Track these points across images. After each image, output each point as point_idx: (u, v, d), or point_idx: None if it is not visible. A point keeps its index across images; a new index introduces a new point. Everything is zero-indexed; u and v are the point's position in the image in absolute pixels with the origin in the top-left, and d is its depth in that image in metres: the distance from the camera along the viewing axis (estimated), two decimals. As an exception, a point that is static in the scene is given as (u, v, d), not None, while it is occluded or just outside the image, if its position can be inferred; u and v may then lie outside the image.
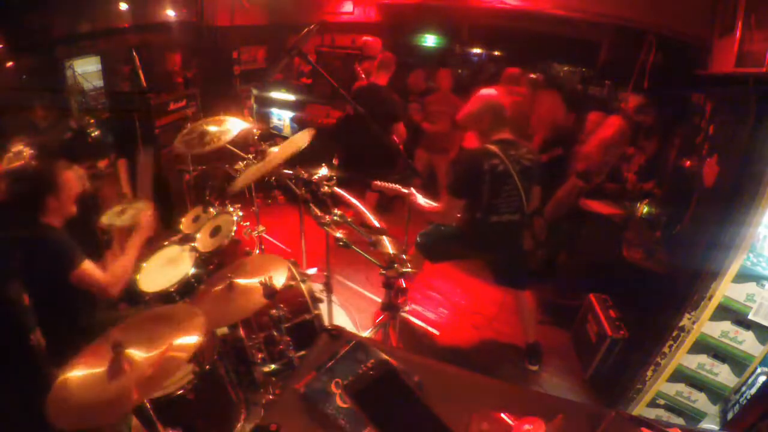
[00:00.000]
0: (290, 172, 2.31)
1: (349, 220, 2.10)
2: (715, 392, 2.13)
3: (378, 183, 2.71)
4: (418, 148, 4.41)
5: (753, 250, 1.90)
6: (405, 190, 2.65)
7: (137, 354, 1.33)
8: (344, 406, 1.09)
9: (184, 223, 2.85)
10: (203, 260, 2.48)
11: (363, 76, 4.48)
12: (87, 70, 4.25)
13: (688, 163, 2.71)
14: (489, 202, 2.46)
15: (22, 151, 2.90)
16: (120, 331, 1.42)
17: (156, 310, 1.57)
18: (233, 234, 2.54)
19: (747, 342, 2.02)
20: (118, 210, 2.59)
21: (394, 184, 2.67)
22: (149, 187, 2.55)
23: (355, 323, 3.06)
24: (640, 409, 2.24)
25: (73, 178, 1.98)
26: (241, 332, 2.10)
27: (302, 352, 2.13)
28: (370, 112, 3.36)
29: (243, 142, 3.13)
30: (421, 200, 2.65)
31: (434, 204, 2.66)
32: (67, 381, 1.30)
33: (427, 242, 2.88)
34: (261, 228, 2.93)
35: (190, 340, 1.36)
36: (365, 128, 3.38)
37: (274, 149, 2.41)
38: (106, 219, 2.50)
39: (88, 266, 1.91)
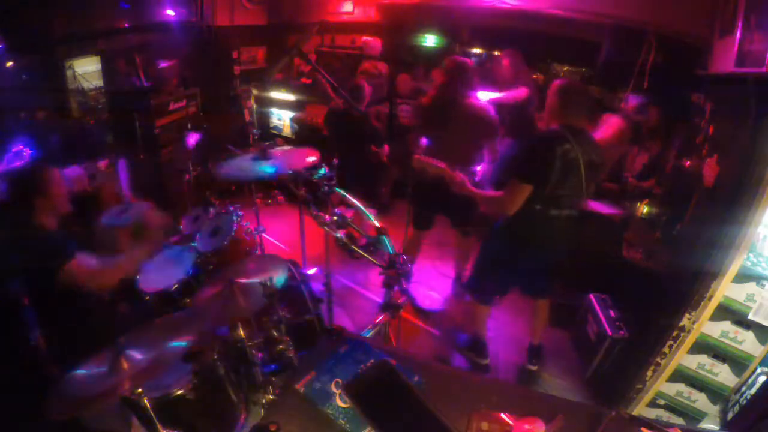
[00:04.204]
0: (290, 172, 2.31)
1: (349, 220, 2.10)
2: (715, 392, 2.13)
3: (421, 158, 2.39)
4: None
5: (753, 250, 1.90)
6: (452, 173, 2.32)
7: (135, 354, 1.38)
8: (344, 406, 1.09)
9: (184, 223, 2.85)
10: (203, 260, 2.48)
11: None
12: (87, 70, 4.25)
13: (688, 163, 2.71)
14: (552, 193, 2.19)
15: (22, 151, 2.91)
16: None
17: (159, 320, 1.59)
18: (233, 234, 2.54)
19: (747, 342, 2.02)
20: (118, 210, 2.60)
21: (437, 162, 2.35)
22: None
23: (355, 323, 3.06)
24: (640, 409, 2.24)
25: (59, 178, 2.00)
26: (241, 332, 2.09)
27: (302, 352, 2.13)
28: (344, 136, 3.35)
29: (243, 142, 3.14)
30: (471, 185, 2.34)
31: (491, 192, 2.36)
32: (69, 377, 1.35)
33: (476, 276, 2.67)
34: (261, 228, 2.93)
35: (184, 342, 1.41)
36: (356, 129, 3.41)
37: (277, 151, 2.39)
38: (106, 219, 2.50)
39: (81, 259, 1.91)
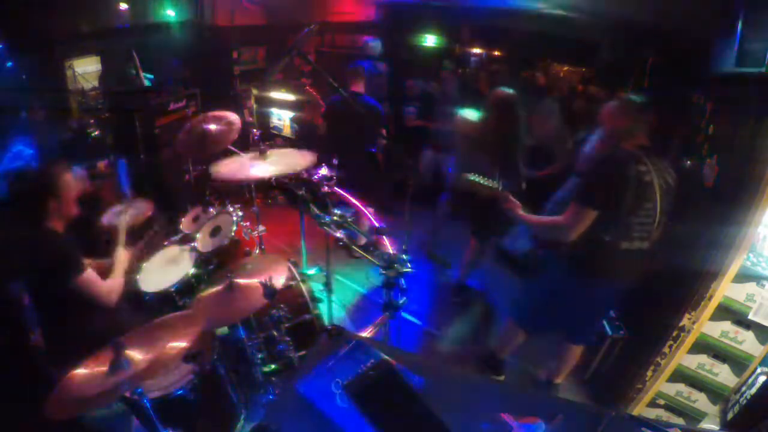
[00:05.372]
0: (290, 172, 2.31)
1: (349, 220, 2.11)
2: (715, 392, 2.13)
3: (470, 176, 2.23)
4: (424, 149, 4.44)
5: (753, 250, 1.90)
6: (504, 196, 2.21)
7: (136, 354, 1.38)
8: (344, 406, 1.09)
9: (184, 223, 2.85)
10: (203, 260, 2.48)
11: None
12: (87, 70, 4.25)
13: (688, 163, 2.71)
14: (623, 221, 1.94)
15: (22, 151, 2.91)
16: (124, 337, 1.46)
17: (159, 320, 1.59)
18: (233, 234, 2.54)
19: (747, 342, 2.02)
20: (118, 210, 2.60)
21: (489, 183, 2.22)
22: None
23: (355, 323, 3.07)
24: (640, 409, 2.24)
25: (73, 181, 1.98)
26: (241, 332, 2.10)
27: (302, 352, 2.13)
28: (345, 125, 3.34)
29: (243, 142, 3.13)
30: (522, 210, 2.20)
31: (547, 216, 2.16)
32: (69, 378, 1.35)
33: (528, 311, 2.46)
34: (261, 228, 2.93)
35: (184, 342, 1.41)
36: (354, 127, 3.42)
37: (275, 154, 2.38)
38: (106, 219, 2.50)
39: (90, 275, 1.91)
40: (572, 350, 2.47)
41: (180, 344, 1.39)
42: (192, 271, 2.39)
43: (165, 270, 2.46)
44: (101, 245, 2.36)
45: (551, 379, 2.62)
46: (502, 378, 2.72)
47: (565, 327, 2.41)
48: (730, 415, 2.03)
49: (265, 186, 4.66)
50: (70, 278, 1.85)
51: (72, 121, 3.83)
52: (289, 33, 5.12)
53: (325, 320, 2.41)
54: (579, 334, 2.43)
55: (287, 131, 5.20)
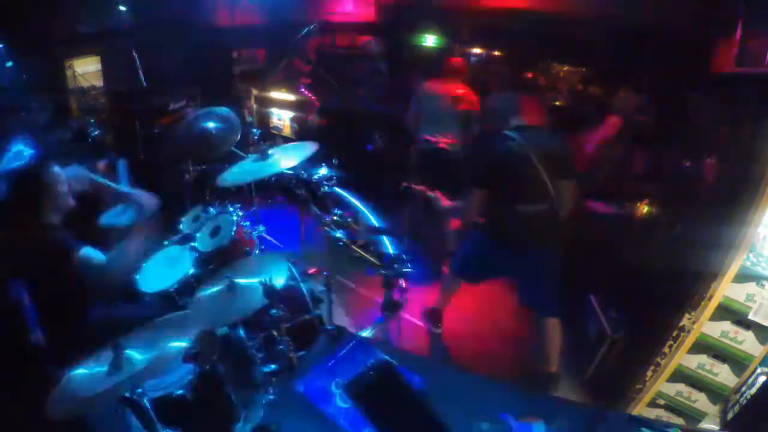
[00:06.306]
0: (290, 172, 2.31)
1: (349, 220, 2.11)
2: (715, 392, 2.13)
3: (415, 187, 2.54)
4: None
5: (753, 250, 1.90)
6: (431, 194, 2.51)
7: (136, 354, 1.38)
8: (344, 406, 1.09)
9: (184, 223, 2.85)
10: (203, 260, 2.48)
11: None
12: (87, 70, 4.25)
13: (688, 163, 2.71)
14: (512, 190, 2.29)
15: (22, 151, 2.91)
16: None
17: (159, 320, 1.59)
18: (233, 234, 2.54)
19: (747, 342, 2.02)
20: (118, 210, 2.60)
21: (423, 188, 2.52)
22: None
23: (355, 323, 3.06)
24: (640, 409, 2.23)
25: (61, 176, 2.00)
26: (241, 332, 2.10)
27: (302, 352, 2.13)
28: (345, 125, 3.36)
29: (243, 142, 3.13)
30: (442, 201, 2.51)
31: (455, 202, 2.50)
32: (69, 377, 1.36)
33: (460, 262, 2.78)
34: (261, 228, 2.93)
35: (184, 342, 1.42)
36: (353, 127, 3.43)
37: (275, 151, 2.38)
38: (106, 219, 2.50)
39: (88, 250, 1.93)
40: (547, 325, 2.54)
41: (180, 344, 1.39)
42: (192, 271, 2.39)
43: (165, 270, 2.46)
44: (101, 245, 2.36)
45: (546, 368, 2.61)
46: (439, 331, 2.97)
47: (523, 299, 2.64)
48: (730, 415, 2.02)
49: (265, 186, 4.66)
50: (69, 259, 1.87)
51: (72, 121, 3.83)
52: (289, 33, 5.13)
53: (325, 320, 2.41)
54: (534, 303, 2.58)
55: (287, 131, 5.20)
